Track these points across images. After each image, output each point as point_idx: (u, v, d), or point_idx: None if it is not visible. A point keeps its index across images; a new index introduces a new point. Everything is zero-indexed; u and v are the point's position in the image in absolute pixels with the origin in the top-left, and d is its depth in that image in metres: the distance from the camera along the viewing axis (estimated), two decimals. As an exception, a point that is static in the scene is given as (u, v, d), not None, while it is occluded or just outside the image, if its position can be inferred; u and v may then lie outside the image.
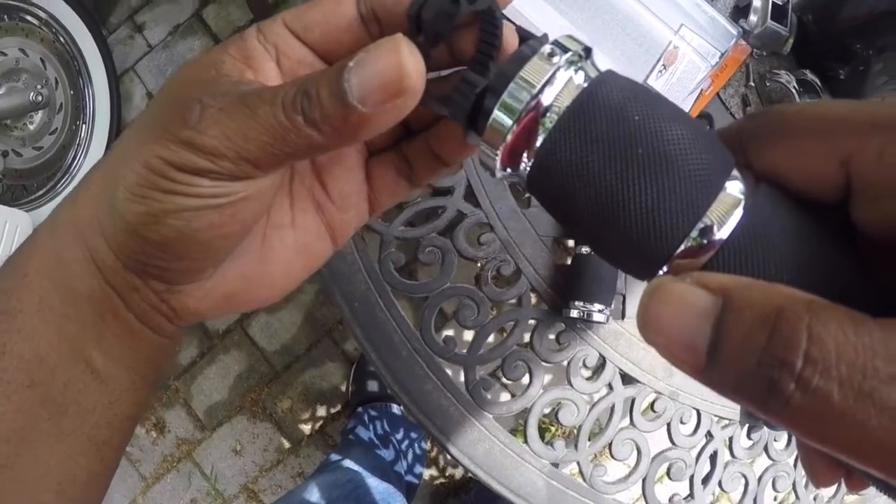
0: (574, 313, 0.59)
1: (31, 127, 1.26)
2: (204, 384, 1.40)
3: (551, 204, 0.20)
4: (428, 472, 1.36)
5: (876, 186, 0.16)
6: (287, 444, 1.39)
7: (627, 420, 0.63)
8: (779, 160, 0.18)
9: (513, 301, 0.62)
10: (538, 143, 0.19)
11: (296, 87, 0.19)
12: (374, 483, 0.99)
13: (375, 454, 1.12)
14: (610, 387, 0.63)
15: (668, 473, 0.64)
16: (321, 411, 1.39)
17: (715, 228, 0.17)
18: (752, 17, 0.68)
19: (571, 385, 0.62)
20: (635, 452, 0.63)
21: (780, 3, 0.67)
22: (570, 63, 0.19)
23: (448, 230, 0.61)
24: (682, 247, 0.18)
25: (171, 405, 1.41)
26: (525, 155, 0.19)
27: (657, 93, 0.19)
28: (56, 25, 1.29)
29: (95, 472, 0.24)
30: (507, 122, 0.19)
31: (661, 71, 0.66)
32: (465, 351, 0.60)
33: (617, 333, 0.62)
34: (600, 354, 0.62)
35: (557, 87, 0.18)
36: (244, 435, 1.39)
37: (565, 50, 0.19)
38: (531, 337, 0.62)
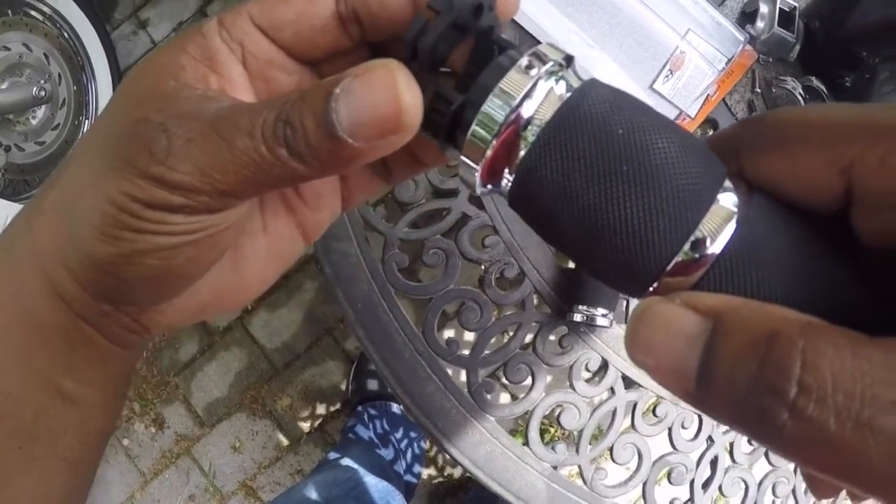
0: (577, 317, 0.59)
1: (34, 122, 1.26)
2: (204, 381, 1.40)
3: (534, 221, 0.19)
4: (426, 472, 1.36)
5: (878, 196, 0.16)
6: (286, 442, 1.39)
7: (629, 424, 0.63)
8: (775, 169, 0.18)
9: (516, 304, 0.62)
10: (519, 159, 0.18)
11: (275, 112, 0.18)
12: (374, 482, 0.99)
13: (375, 453, 1.13)
14: (612, 391, 0.63)
15: (668, 477, 0.64)
16: (321, 409, 1.39)
17: (707, 243, 0.16)
18: (759, 23, 0.68)
19: (573, 388, 0.62)
20: (636, 456, 0.63)
21: (787, 9, 0.67)
22: (551, 73, 0.18)
23: (452, 232, 0.61)
24: (672, 264, 0.17)
25: (170, 401, 1.41)
26: (507, 171, 0.18)
27: (642, 102, 0.18)
28: (60, 20, 1.29)
29: (71, 489, 0.24)
30: (487, 136, 0.18)
31: (667, 76, 0.67)
32: (467, 353, 0.61)
33: (619, 337, 0.63)
34: (603, 358, 0.62)
35: (538, 98, 0.18)
36: (243, 432, 1.40)
37: (545, 60, 0.18)
38: (534, 340, 0.62)
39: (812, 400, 0.12)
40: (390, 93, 0.17)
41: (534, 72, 0.18)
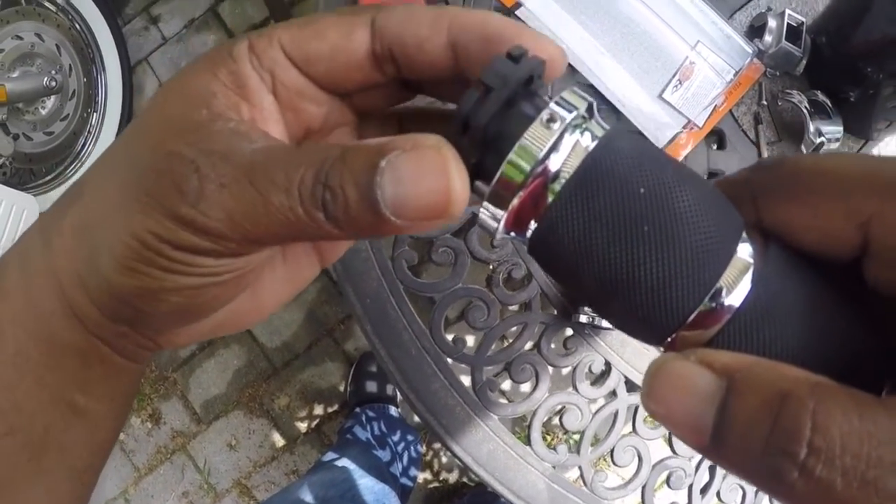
0: (583, 318, 0.59)
1: (43, 112, 1.27)
2: (202, 377, 1.41)
3: (553, 272, 0.19)
4: (422, 476, 1.36)
5: (894, 251, 0.16)
6: (282, 442, 1.39)
7: (630, 427, 0.64)
8: (792, 218, 0.18)
9: (523, 304, 0.63)
10: (541, 214, 0.18)
11: (313, 171, 0.17)
12: (370, 483, 0.99)
13: (372, 454, 1.13)
14: (614, 393, 0.63)
15: (667, 482, 0.64)
16: (318, 410, 1.39)
17: (723, 298, 0.17)
18: (767, 38, 0.69)
19: (576, 390, 0.63)
20: (636, 459, 0.64)
21: (794, 24, 0.69)
22: (576, 126, 0.18)
23: (462, 231, 0.62)
24: (690, 319, 0.17)
25: (167, 397, 1.41)
26: (531, 222, 0.18)
27: (662, 153, 0.18)
28: (73, 12, 1.30)
29: (76, 496, 0.24)
30: (515, 185, 0.18)
31: (676, 85, 0.68)
32: (473, 352, 0.61)
33: (624, 341, 0.63)
34: (606, 361, 0.63)
35: (564, 151, 0.17)
36: (240, 430, 1.39)
37: (570, 108, 0.18)
38: (539, 341, 0.62)
39: (821, 461, 0.13)
40: (441, 181, 0.17)
41: (555, 125, 0.17)
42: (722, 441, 0.15)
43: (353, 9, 0.20)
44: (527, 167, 0.17)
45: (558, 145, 0.17)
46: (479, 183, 0.19)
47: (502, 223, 0.19)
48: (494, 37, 0.19)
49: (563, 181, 0.17)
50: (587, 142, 0.18)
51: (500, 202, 0.18)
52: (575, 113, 0.18)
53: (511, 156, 0.17)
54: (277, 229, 0.17)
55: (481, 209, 0.19)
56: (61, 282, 0.20)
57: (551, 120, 0.17)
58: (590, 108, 0.18)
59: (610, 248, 0.17)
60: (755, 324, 0.17)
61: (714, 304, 0.17)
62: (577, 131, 0.18)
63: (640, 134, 0.67)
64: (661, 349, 0.18)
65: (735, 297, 0.17)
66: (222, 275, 0.19)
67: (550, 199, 0.18)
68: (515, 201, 0.18)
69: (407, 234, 0.16)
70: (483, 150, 0.18)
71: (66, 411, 0.21)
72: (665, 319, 0.17)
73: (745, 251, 0.17)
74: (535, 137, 0.17)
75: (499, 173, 0.18)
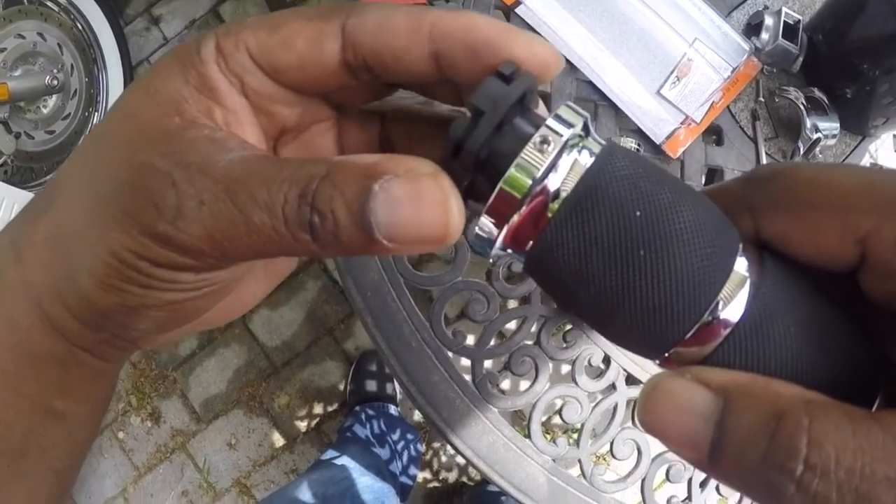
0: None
1: (45, 111, 1.27)
2: (202, 376, 1.41)
3: (550, 293, 0.19)
4: (422, 475, 1.36)
5: (891, 267, 0.16)
6: (282, 441, 1.39)
7: (629, 420, 0.64)
8: (789, 232, 0.18)
9: (522, 298, 0.63)
10: (538, 235, 0.17)
11: (297, 189, 0.16)
12: (370, 481, 1.00)
13: (371, 452, 1.13)
14: (613, 387, 0.64)
15: (667, 475, 0.65)
16: (318, 409, 1.39)
17: (720, 315, 0.17)
18: (764, 35, 0.70)
19: (576, 383, 0.63)
20: (636, 452, 0.64)
21: (791, 22, 0.69)
22: (573, 145, 0.17)
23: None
24: (686, 337, 0.17)
25: (167, 395, 1.41)
26: (529, 240, 0.18)
27: (658, 168, 0.18)
28: (75, 12, 1.30)
29: (55, 495, 0.24)
30: (513, 203, 0.17)
31: (674, 82, 0.68)
32: (473, 345, 0.62)
33: (623, 334, 0.64)
34: (606, 354, 0.64)
35: (563, 170, 0.17)
36: (239, 429, 1.40)
37: (567, 125, 0.17)
38: (539, 334, 0.63)
39: (817, 475, 0.14)
40: (440, 215, 0.16)
41: (550, 147, 0.17)
42: (719, 458, 0.15)
43: (322, 10, 0.19)
44: (526, 184, 0.17)
45: (557, 164, 0.17)
46: (471, 202, 0.18)
47: (500, 240, 0.18)
48: (482, 46, 0.18)
49: (562, 200, 0.17)
50: (585, 160, 0.17)
51: (498, 219, 0.18)
52: (572, 130, 0.17)
53: (511, 171, 0.17)
54: (259, 247, 0.17)
55: (477, 226, 0.18)
56: (38, 297, 0.19)
57: (548, 139, 0.17)
58: (585, 126, 0.18)
59: (606, 272, 0.17)
60: (751, 340, 0.17)
61: (711, 322, 0.17)
62: (575, 150, 0.17)
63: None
64: (658, 363, 0.19)
65: (732, 312, 0.17)
66: (203, 288, 0.19)
67: (549, 213, 0.17)
68: (515, 218, 0.17)
69: (397, 255, 0.16)
70: (475, 172, 0.18)
71: (44, 416, 0.21)
72: (660, 340, 0.18)
73: (741, 266, 0.17)
74: (533, 155, 0.17)
75: (497, 190, 0.17)
